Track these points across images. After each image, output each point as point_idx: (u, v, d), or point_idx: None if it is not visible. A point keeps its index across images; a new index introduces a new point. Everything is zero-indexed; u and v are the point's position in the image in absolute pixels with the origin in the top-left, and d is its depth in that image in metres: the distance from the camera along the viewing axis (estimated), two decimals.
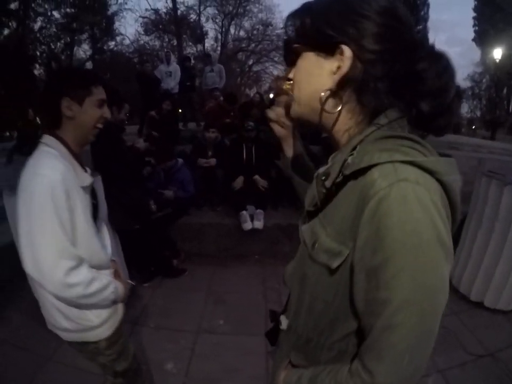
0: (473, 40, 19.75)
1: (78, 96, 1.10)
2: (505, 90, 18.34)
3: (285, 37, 0.64)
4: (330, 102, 0.59)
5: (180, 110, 7.07)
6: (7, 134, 16.19)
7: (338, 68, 0.55)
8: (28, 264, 1.01)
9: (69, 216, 1.03)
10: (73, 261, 1.03)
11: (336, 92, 0.57)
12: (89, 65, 20.83)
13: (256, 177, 3.71)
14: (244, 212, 3.51)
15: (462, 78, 23.47)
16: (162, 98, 5.92)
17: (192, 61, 7.69)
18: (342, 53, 0.55)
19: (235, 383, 2.08)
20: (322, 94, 0.58)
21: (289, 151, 0.92)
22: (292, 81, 0.64)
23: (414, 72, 0.55)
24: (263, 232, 3.55)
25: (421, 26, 4.97)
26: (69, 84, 1.10)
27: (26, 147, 5.64)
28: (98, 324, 1.22)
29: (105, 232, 1.38)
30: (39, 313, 2.70)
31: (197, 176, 3.83)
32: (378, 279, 0.49)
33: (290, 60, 0.64)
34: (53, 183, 0.99)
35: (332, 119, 0.60)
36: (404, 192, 0.46)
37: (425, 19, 4.86)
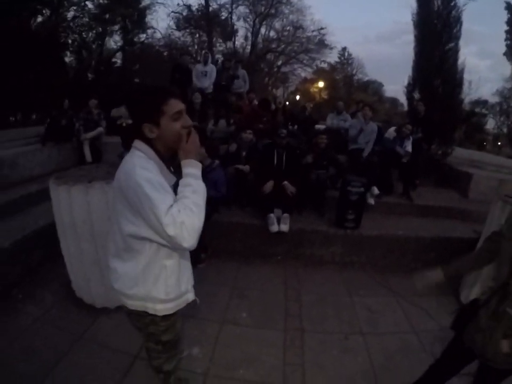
0: (504, 54, 18.97)
1: (154, 120, 1.19)
2: None
3: None
4: None
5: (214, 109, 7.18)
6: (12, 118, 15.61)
7: None
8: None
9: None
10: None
11: None
12: (119, 55, 21.30)
13: (286, 183, 3.87)
14: (272, 215, 3.68)
15: (490, 92, 22.78)
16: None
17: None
18: None
19: (255, 371, 2.29)
20: None
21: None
22: None
23: None
24: (287, 235, 3.72)
25: (453, 44, 5.03)
26: (142, 111, 1.19)
27: (56, 135, 5.61)
28: (164, 299, 1.38)
29: None
30: (71, 294, 2.93)
31: (229, 176, 3.97)
32: None
33: None
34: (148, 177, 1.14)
35: None
36: None
37: (457, 37, 4.86)
